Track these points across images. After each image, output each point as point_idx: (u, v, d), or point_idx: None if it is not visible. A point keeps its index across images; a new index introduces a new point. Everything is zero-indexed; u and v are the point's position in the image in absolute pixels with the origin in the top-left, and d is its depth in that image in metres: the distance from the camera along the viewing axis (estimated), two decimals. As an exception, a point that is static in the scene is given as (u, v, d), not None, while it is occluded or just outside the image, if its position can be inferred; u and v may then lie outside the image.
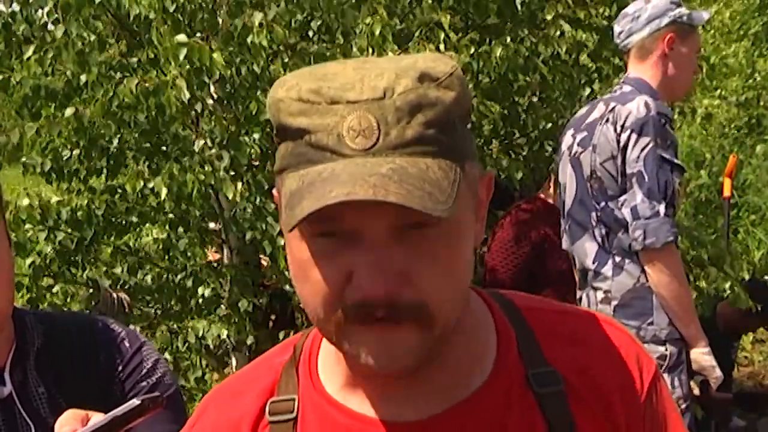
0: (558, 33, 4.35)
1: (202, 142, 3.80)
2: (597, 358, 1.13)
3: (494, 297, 1.17)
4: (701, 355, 3.05)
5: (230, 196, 3.90)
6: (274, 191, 1.05)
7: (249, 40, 3.66)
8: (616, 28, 3.23)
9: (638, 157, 2.98)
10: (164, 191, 3.77)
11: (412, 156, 0.94)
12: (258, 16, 3.65)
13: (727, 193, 6.25)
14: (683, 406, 3.03)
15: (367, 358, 0.99)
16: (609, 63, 4.82)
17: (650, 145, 2.97)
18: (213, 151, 3.80)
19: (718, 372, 3.07)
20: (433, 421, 1.07)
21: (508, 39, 4.23)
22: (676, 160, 3.00)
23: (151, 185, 3.90)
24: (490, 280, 4.02)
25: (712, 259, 4.87)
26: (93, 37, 3.73)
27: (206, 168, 3.78)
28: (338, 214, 0.93)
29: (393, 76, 0.96)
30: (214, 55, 3.52)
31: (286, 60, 3.84)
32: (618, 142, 3.03)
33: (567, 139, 3.29)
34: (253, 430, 1.12)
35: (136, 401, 1.24)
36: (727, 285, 5.41)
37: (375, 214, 0.93)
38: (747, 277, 6.87)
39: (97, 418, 1.29)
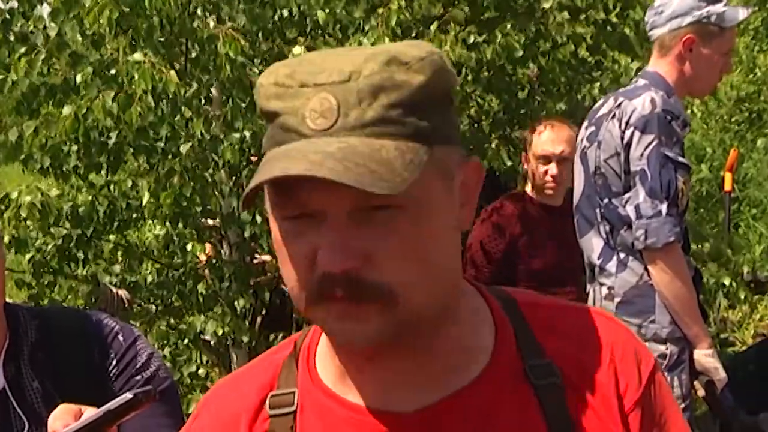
0: (556, 24, 4.34)
1: (189, 144, 3.81)
2: (593, 351, 1.14)
3: (492, 291, 1.18)
4: (704, 357, 3.03)
5: (213, 204, 3.94)
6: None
7: (217, 48, 3.69)
8: (646, 17, 3.16)
9: (642, 155, 2.94)
10: (146, 196, 3.80)
11: (369, 137, 0.96)
12: (223, 28, 3.69)
13: (727, 187, 6.26)
14: (682, 406, 3.01)
15: (331, 333, 1.04)
16: (607, 56, 4.82)
17: (654, 143, 2.92)
18: (194, 155, 3.81)
19: (722, 373, 3.04)
20: (428, 412, 1.08)
21: (508, 26, 4.22)
22: (680, 159, 2.95)
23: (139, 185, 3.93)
24: (471, 277, 3.95)
25: (712, 254, 4.87)
26: (86, 39, 3.73)
27: (189, 172, 3.81)
28: (301, 197, 0.97)
29: (362, 60, 0.98)
30: (171, 74, 3.55)
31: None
32: (622, 138, 2.99)
33: (581, 132, 3.26)
34: (252, 423, 1.13)
35: (128, 395, 1.24)
36: (727, 281, 5.42)
37: (336, 196, 0.95)
38: (747, 271, 6.88)
39: (90, 412, 1.29)
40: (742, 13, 3.07)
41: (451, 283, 1.07)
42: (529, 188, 3.97)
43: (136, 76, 3.57)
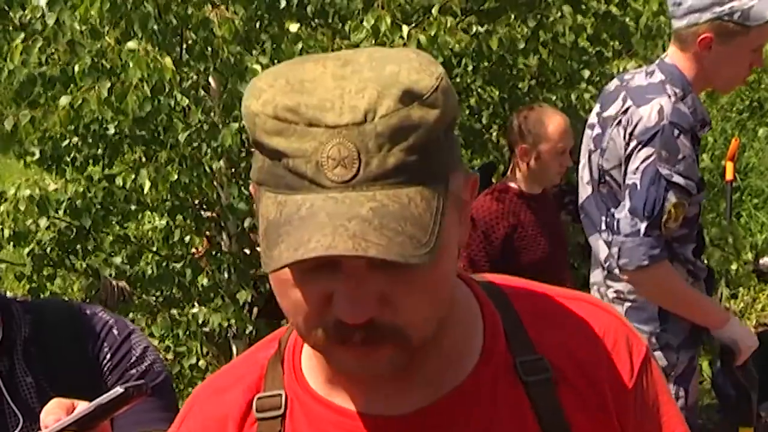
0: (558, 15, 4.33)
1: (186, 133, 3.79)
2: (585, 341, 1.12)
3: (480, 283, 1.15)
4: (724, 334, 2.87)
5: (210, 194, 3.93)
6: (251, 187, 1.02)
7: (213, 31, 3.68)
8: (668, 1, 2.88)
9: (637, 168, 2.74)
10: (147, 185, 3.78)
11: (393, 187, 0.91)
12: (217, 11, 3.69)
13: (729, 176, 6.23)
14: (685, 414, 2.92)
15: (346, 370, 1.02)
16: (608, 46, 4.80)
17: (652, 158, 2.71)
18: (195, 144, 3.80)
19: (754, 339, 2.89)
20: (420, 415, 1.06)
21: (512, 16, 4.20)
22: (675, 178, 2.71)
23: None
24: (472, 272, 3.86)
25: (714, 239, 4.84)
26: (84, 27, 3.72)
27: (188, 162, 3.80)
28: None
29: (375, 95, 0.91)
30: (166, 61, 3.53)
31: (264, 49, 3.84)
32: (625, 150, 2.80)
33: (591, 117, 3.05)
34: (240, 427, 1.11)
35: (119, 389, 1.23)
36: (733, 266, 5.39)
37: None
38: (750, 259, 6.86)
39: (83, 406, 1.28)
40: None
41: (450, 299, 1.05)
42: (519, 179, 3.85)
43: (131, 64, 3.54)
